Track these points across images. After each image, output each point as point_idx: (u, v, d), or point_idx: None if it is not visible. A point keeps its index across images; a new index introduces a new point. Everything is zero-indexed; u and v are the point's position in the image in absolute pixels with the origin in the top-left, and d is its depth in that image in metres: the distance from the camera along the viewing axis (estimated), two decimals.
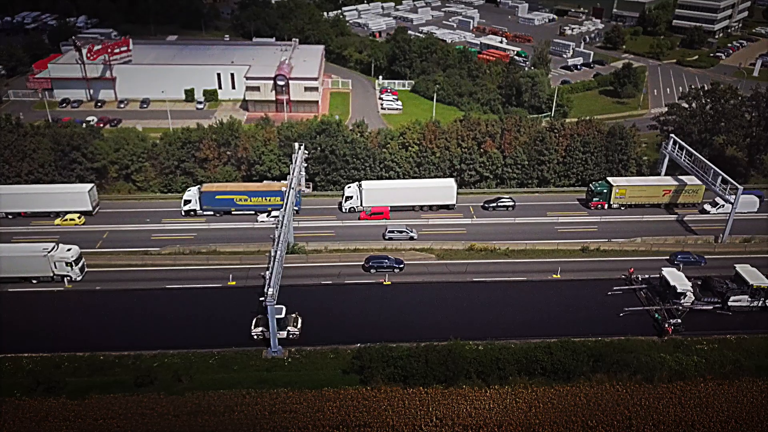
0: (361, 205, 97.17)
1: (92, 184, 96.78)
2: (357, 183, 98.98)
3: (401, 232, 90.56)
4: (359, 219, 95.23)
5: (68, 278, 79.91)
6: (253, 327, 70.77)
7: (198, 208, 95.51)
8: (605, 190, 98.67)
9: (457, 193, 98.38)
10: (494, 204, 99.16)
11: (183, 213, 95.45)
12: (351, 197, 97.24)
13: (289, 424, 59.70)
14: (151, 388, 63.71)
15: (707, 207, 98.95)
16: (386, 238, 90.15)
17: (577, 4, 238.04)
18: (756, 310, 76.55)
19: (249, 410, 61.16)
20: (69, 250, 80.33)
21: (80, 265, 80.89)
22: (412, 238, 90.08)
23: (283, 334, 70.24)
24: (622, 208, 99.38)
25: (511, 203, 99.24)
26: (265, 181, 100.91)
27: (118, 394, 62.73)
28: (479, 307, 76.58)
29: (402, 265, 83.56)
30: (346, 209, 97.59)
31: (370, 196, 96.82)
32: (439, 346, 66.42)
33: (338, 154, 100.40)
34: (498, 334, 71.12)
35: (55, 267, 79.28)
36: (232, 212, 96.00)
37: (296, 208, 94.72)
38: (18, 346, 68.62)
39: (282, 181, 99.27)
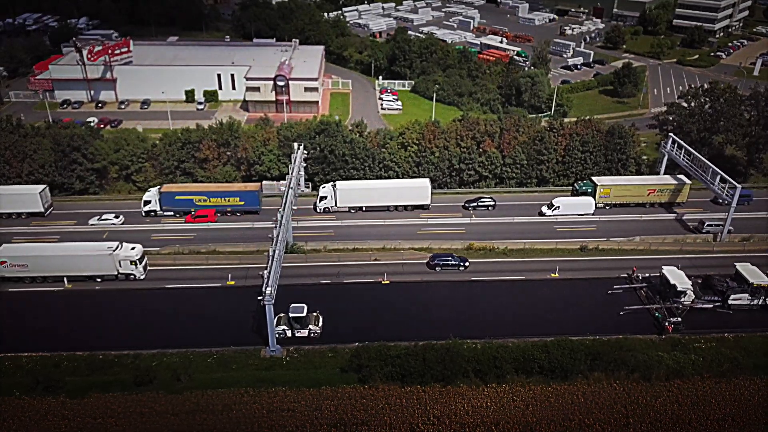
0: (336, 205, 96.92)
1: (44, 186, 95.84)
2: (331, 183, 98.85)
3: (718, 225, 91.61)
4: (185, 222, 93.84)
5: (132, 276, 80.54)
6: (275, 325, 71.01)
7: (158, 208, 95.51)
8: (590, 190, 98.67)
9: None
10: (474, 204, 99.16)
11: (143, 214, 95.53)
12: (326, 197, 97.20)
13: (287, 423, 59.88)
14: (150, 387, 63.96)
15: (544, 209, 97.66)
16: (704, 231, 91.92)
17: (577, 3, 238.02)
18: (756, 309, 76.47)
19: (247, 409, 61.37)
20: (133, 248, 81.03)
21: (144, 263, 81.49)
22: (731, 231, 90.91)
23: (305, 332, 70.77)
24: (607, 208, 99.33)
25: (492, 203, 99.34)
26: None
27: (117, 393, 62.96)
28: (477, 307, 76.70)
29: (467, 263, 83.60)
30: (320, 209, 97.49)
31: (345, 196, 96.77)
32: (437, 345, 66.54)
33: (337, 154, 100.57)
34: (496, 333, 71.11)
35: (120, 266, 79.89)
36: (192, 213, 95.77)
37: (256, 208, 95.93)
38: (18, 346, 68.88)
39: (235, 183, 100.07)
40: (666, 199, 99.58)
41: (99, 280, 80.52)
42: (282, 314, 71.39)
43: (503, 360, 65.60)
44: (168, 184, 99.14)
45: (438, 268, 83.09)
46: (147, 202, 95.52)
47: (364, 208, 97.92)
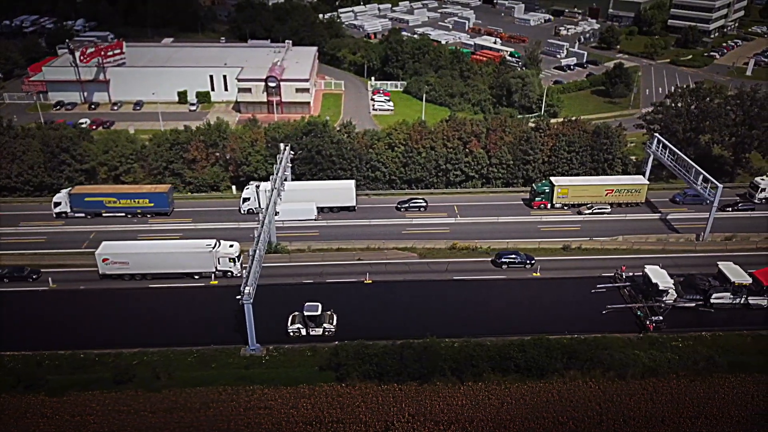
0: (260, 206, 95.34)
1: None
2: (255, 184, 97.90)
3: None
4: None
5: (230, 273, 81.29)
6: (289, 324, 71.72)
7: (68, 210, 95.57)
8: (548, 190, 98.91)
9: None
10: (407, 205, 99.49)
11: (54, 215, 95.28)
12: (249, 198, 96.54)
13: (263, 420, 60.45)
14: (129, 386, 64.49)
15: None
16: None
17: (573, 4, 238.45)
18: (738, 307, 76.71)
19: (225, 407, 61.95)
20: (231, 246, 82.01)
21: (241, 260, 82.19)
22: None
23: (319, 330, 71.56)
24: (565, 208, 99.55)
25: (424, 204, 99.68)
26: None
27: (97, 391, 63.52)
28: (458, 305, 77.02)
29: (533, 261, 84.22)
30: (243, 211, 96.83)
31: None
32: (414, 344, 66.81)
33: (324, 154, 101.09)
34: (476, 332, 71.39)
35: (219, 263, 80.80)
36: (103, 214, 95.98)
37: (165, 210, 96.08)
38: (0, 345, 69.38)
39: (146, 185, 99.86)
40: (624, 199, 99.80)
41: (197, 277, 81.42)
42: (296, 313, 72.37)
43: (480, 358, 65.96)
44: (79, 186, 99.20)
45: (504, 266, 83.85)
46: (57, 204, 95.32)
47: None
